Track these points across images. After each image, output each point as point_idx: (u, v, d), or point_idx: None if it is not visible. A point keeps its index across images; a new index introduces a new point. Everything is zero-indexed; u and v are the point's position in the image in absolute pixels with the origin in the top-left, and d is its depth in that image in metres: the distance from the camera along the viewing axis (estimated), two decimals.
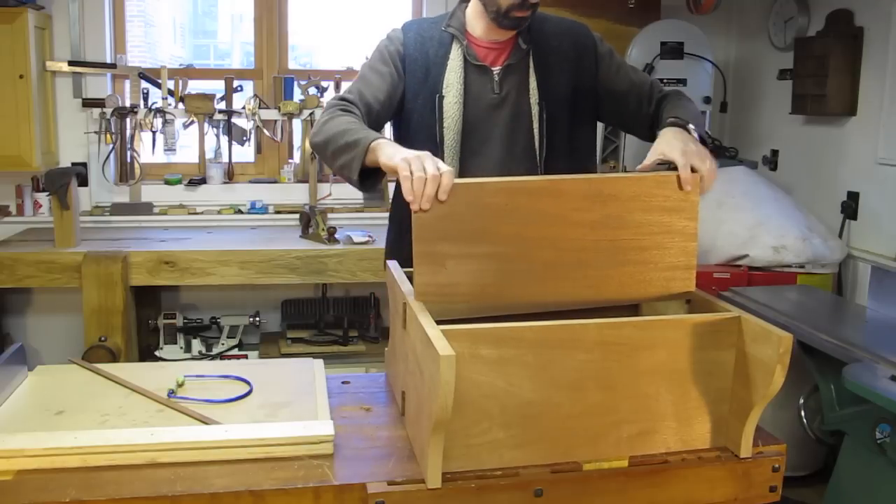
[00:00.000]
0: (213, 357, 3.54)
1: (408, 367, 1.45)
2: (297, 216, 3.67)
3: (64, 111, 3.71)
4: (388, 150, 1.53)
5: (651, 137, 1.84)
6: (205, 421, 1.45)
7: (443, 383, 1.18)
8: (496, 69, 1.88)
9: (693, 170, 1.49)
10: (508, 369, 1.31)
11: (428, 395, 1.25)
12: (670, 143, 1.55)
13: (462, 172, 1.86)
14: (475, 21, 1.88)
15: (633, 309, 1.60)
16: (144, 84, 3.79)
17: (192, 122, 3.77)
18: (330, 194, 3.91)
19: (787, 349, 1.31)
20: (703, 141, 1.61)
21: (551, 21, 1.93)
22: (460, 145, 1.87)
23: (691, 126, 1.62)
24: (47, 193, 3.48)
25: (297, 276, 3.31)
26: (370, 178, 1.68)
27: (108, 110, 3.66)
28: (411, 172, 1.38)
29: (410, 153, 1.45)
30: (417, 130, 1.88)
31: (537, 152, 1.87)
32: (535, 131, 1.87)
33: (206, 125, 3.79)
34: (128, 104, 3.72)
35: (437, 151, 1.83)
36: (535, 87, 1.87)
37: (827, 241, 3.09)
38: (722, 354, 1.42)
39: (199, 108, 3.74)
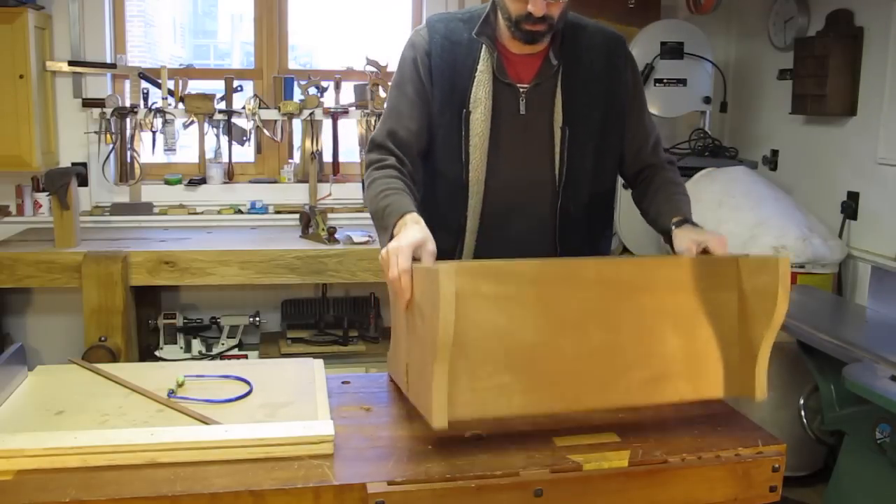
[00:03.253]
0: (213, 357, 3.54)
1: (410, 341, 1.44)
2: (297, 216, 3.67)
3: (64, 111, 3.71)
4: (393, 242, 1.51)
5: (625, 179, 1.92)
6: (205, 421, 1.45)
7: (443, 297, 1.17)
8: (523, 87, 1.76)
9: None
10: (509, 306, 1.31)
11: (430, 326, 1.24)
12: (698, 233, 1.64)
13: (486, 195, 1.78)
14: (504, 27, 1.73)
15: None
16: (144, 84, 3.79)
17: (192, 122, 3.77)
18: (330, 194, 3.91)
19: (786, 270, 1.32)
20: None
21: (587, 31, 1.81)
22: (486, 164, 1.76)
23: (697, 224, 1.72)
24: (47, 193, 3.48)
25: (297, 276, 3.31)
26: None
27: (108, 110, 3.66)
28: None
29: (393, 244, 1.45)
30: (442, 146, 1.78)
31: (556, 179, 1.77)
32: (557, 157, 1.76)
33: (206, 125, 3.78)
34: (128, 104, 3.72)
35: (462, 170, 1.76)
36: (561, 109, 1.75)
37: (827, 241, 3.09)
38: (724, 296, 1.43)
39: (199, 108, 3.74)
